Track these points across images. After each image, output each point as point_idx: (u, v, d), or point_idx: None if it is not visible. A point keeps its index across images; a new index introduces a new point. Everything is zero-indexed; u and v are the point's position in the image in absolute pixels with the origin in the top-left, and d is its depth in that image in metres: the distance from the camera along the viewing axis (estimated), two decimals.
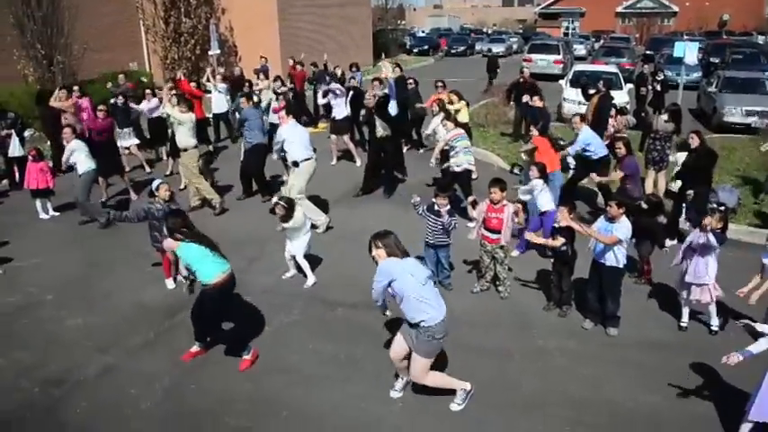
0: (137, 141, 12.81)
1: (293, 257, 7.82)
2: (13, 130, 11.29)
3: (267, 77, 15.17)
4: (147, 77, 21.39)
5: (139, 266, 8.36)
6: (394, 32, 46.97)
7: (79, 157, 9.66)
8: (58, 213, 10.49)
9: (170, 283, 7.76)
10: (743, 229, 9.32)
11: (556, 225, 6.88)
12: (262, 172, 10.83)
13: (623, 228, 6.45)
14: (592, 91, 13.32)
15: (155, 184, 7.70)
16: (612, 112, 11.62)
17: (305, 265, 7.79)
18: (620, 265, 6.54)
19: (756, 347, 4.73)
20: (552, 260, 7.16)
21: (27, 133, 15.57)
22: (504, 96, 17.11)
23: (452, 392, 5.48)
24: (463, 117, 12.24)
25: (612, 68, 19.68)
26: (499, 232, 7.20)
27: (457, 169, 9.57)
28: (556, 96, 17.77)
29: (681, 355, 6.26)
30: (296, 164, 9.23)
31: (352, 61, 17.79)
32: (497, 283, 7.54)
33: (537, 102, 12.12)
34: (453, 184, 9.66)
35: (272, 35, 24.69)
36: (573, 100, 16.83)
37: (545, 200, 8.24)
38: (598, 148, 9.82)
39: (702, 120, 18.32)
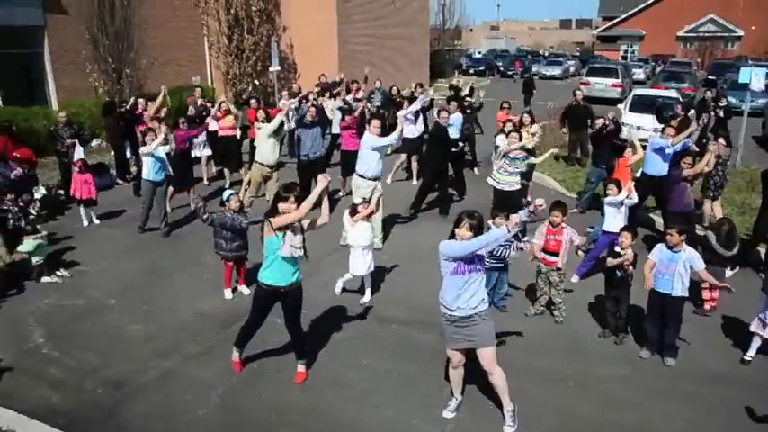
0: (209, 153, 13.20)
1: (354, 275, 7.78)
2: (76, 140, 11.83)
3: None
4: (210, 92, 22.01)
5: (197, 275, 8.61)
6: (450, 53, 47.19)
7: (147, 162, 9.91)
8: (98, 222, 10.79)
9: (228, 293, 7.95)
10: None
11: (619, 250, 6.79)
12: None
13: (697, 258, 6.36)
14: (669, 113, 13.18)
15: (225, 194, 7.84)
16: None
17: (369, 281, 7.85)
18: (687, 294, 6.42)
19: None
20: (608, 285, 7.05)
21: (94, 143, 16.31)
22: (559, 120, 17.00)
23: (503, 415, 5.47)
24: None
25: (673, 93, 19.35)
26: (557, 254, 7.15)
27: (505, 188, 9.57)
28: None
29: (741, 389, 6.07)
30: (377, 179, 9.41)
31: (409, 80, 17.95)
32: (552, 307, 7.47)
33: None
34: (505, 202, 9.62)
35: (330, 53, 25.14)
36: (632, 124, 16.59)
37: (618, 220, 8.12)
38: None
39: None
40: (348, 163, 11.40)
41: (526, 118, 12.25)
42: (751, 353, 6.62)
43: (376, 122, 9.37)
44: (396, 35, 30.95)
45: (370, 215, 7.78)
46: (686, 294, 6.41)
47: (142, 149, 9.98)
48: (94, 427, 5.49)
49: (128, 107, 13.42)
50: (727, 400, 5.92)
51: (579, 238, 7.50)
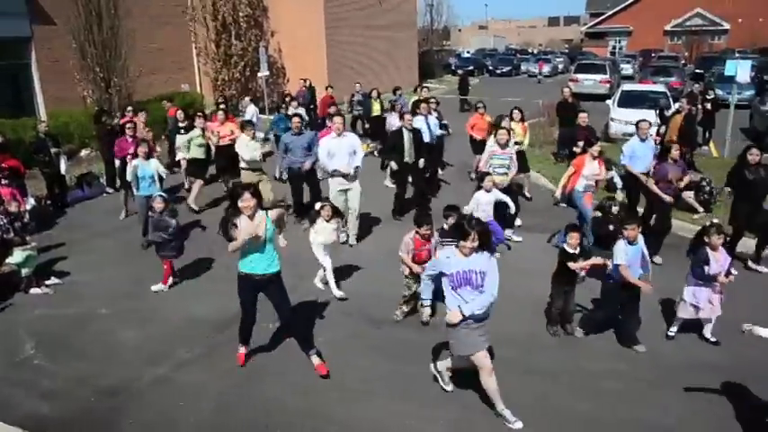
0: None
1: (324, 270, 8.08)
2: (60, 149, 11.83)
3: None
4: (198, 99, 22.00)
5: (187, 282, 8.63)
6: (439, 53, 47.29)
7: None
8: None
9: (159, 287, 8.37)
10: None
11: (569, 249, 6.89)
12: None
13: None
14: (671, 111, 13.24)
15: (153, 195, 8.45)
16: None
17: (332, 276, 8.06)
18: None
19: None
20: (562, 282, 7.01)
21: (84, 153, 16.30)
22: (551, 117, 17.08)
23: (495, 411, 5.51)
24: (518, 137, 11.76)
25: (661, 88, 19.44)
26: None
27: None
28: (603, 116, 17.61)
29: (733, 376, 6.12)
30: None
31: (396, 83, 17.99)
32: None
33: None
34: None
35: (319, 57, 25.20)
36: (620, 120, 16.68)
37: None
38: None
39: (755, 139, 17.86)
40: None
41: (516, 114, 12.17)
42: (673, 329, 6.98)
43: (338, 119, 9.56)
44: (384, 37, 31.01)
45: (333, 217, 7.91)
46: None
47: (129, 168, 9.95)
48: None
49: (113, 124, 13.42)
50: (722, 390, 5.94)
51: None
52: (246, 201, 5.73)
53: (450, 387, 5.93)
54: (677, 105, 16.96)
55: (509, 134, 9.84)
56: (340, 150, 9.44)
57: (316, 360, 6.31)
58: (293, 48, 25.09)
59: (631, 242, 6.49)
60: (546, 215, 10.94)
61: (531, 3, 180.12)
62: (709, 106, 16.11)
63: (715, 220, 6.97)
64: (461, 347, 5.37)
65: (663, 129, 13.34)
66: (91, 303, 8.00)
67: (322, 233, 7.88)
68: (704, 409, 5.68)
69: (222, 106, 13.60)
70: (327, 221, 7.87)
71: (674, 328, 6.98)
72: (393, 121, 13.13)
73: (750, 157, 8.69)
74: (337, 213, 8.07)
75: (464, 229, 5.22)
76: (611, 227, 8.33)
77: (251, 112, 16.16)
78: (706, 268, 6.52)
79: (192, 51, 23.65)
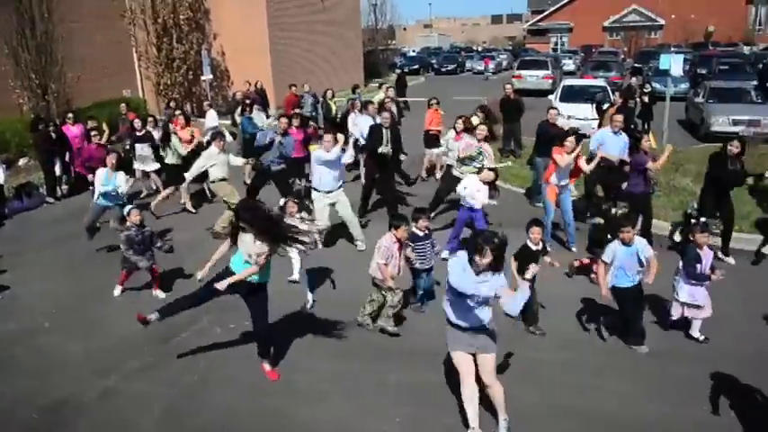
0: (157, 166, 12.49)
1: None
2: None
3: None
4: (141, 104, 21.53)
5: (133, 291, 8.41)
6: (384, 53, 47.41)
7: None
8: None
9: (117, 291, 8.27)
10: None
11: (531, 246, 6.94)
12: None
13: (646, 246, 6.56)
14: (605, 106, 13.52)
15: (126, 209, 8.02)
16: None
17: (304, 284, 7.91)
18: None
19: None
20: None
21: (21, 161, 15.78)
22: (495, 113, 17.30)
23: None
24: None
25: (601, 82, 19.93)
26: None
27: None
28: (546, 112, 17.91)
29: (675, 361, 6.34)
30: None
31: (342, 83, 17.96)
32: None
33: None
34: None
35: (263, 59, 24.96)
36: (563, 114, 16.99)
37: None
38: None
39: (691, 130, 18.54)
40: (290, 169, 11.39)
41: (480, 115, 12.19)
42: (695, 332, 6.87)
43: (328, 137, 9.25)
44: (329, 37, 30.94)
45: (299, 212, 7.70)
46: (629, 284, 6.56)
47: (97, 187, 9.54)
48: None
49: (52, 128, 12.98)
50: (667, 374, 6.16)
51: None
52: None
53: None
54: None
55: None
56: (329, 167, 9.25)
57: (267, 367, 6.29)
58: (236, 50, 24.78)
59: (626, 244, 6.48)
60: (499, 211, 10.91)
61: (475, 1, 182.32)
62: (646, 99, 16.61)
63: (702, 220, 7.08)
64: (449, 343, 5.31)
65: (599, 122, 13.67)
66: (34, 317, 7.73)
67: None
68: (645, 392, 5.86)
69: (177, 111, 13.31)
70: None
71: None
72: (359, 121, 12.92)
73: (730, 148, 8.77)
74: (303, 208, 7.91)
75: (478, 244, 4.85)
76: (609, 236, 7.85)
77: (212, 117, 15.64)
78: (698, 267, 6.59)
79: (132, 55, 23.11)
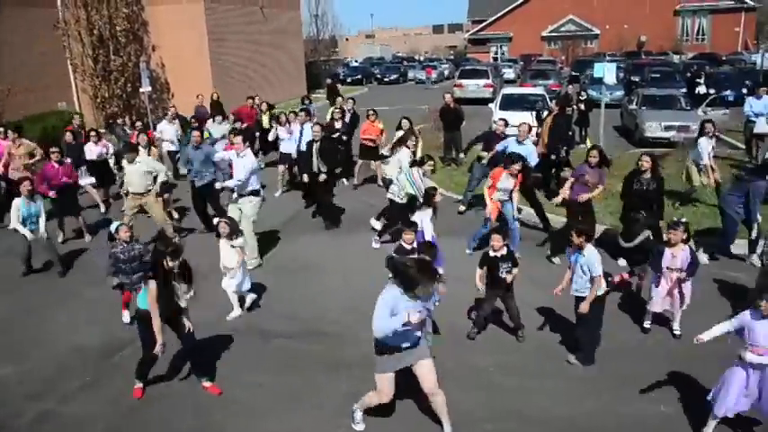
0: (92, 180, 12.35)
1: (235, 292, 7.76)
2: None
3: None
4: (80, 117, 20.92)
5: (73, 309, 8.17)
6: (326, 63, 47.41)
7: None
8: None
9: (126, 317, 7.64)
10: None
11: (492, 253, 6.94)
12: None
13: (597, 263, 6.32)
14: (544, 114, 13.82)
15: (113, 227, 7.57)
16: None
17: (250, 296, 7.89)
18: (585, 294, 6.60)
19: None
20: (493, 285, 6.99)
21: None
22: (436, 122, 17.54)
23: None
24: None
25: (540, 90, 20.39)
26: None
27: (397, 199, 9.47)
28: (487, 120, 18.25)
29: (618, 360, 6.52)
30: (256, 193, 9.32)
31: (285, 93, 17.80)
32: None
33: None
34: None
35: (203, 71, 24.65)
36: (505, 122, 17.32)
37: None
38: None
39: (626, 135, 19.17)
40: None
41: (405, 123, 12.44)
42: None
43: (237, 139, 9.43)
44: (269, 48, 30.77)
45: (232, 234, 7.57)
46: (585, 293, 6.40)
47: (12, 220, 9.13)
48: None
49: None
50: (611, 373, 6.33)
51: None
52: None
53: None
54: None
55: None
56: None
57: (206, 383, 6.23)
58: (176, 62, 24.40)
59: (578, 251, 6.40)
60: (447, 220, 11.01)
61: (416, 11, 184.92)
62: (582, 107, 17.10)
63: (684, 219, 7.21)
64: (378, 366, 5.27)
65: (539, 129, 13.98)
66: None
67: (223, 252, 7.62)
68: (589, 393, 6.01)
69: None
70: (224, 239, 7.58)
71: (647, 322, 7.23)
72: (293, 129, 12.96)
73: (641, 163, 8.65)
74: (235, 231, 7.65)
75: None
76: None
77: (170, 133, 14.84)
78: (662, 261, 6.86)
79: (67, 68, 22.48)
